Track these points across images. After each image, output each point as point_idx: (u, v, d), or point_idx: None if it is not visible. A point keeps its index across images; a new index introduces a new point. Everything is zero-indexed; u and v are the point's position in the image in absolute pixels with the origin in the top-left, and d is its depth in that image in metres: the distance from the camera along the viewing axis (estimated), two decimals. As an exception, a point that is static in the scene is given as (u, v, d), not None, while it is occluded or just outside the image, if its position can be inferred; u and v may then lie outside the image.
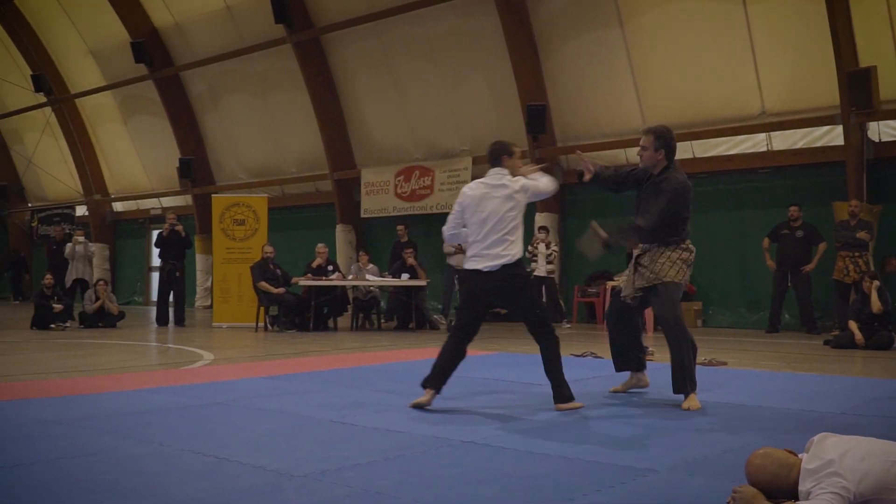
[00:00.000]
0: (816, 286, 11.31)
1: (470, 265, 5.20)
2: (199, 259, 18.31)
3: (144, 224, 21.59)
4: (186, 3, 17.82)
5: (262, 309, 12.13)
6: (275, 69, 17.05)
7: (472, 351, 5.47)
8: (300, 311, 12.08)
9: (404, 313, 12.46)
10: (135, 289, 21.73)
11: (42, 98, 21.50)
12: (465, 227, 5.32)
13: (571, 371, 6.75)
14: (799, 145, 12.09)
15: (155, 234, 16.52)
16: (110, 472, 3.51)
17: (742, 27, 11.90)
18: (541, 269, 12.79)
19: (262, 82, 17.55)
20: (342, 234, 16.64)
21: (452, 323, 11.98)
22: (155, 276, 17.44)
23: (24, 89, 21.58)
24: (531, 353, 8.38)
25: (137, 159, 20.99)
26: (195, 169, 18.88)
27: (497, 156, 5.37)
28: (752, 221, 12.40)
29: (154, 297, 13.87)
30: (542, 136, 13.78)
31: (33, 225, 24.00)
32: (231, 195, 15.18)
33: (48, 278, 13.04)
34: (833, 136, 11.62)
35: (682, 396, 5.16)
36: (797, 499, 2.81)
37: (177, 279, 13.38)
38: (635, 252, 5.49)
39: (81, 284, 13.69)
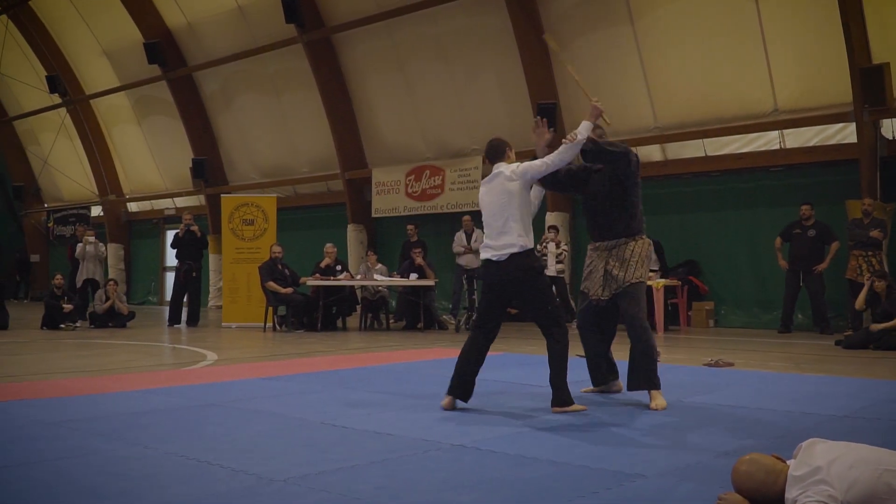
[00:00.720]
0: (829, 286, 11.14)
1: (483, 255, 5.19)
2: (213, 259, 18.31)
3: (159, 224, 21.67)
4: (199, 4, 17.85)
5: (270, 309, 12.12)
6: (286, 69, 17.05)
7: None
8: (308, 311, 12.06)
9: (413, 313, 12.40)
10: (149, 289, 21.81)
11: (57, 99, 21.64)
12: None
13: (576, 372, 6.67)
14: (812, 143, 11.92)
15: (169, 234, 16.57)
16: (91, 475, 3.49)
17: (754, 23, 11.74)
18: (550, 268, 12.68)
19: (274, 82, 17.56)
20: (353, 234, 16.61)
21: (462, 322, 11.98)
22: (169, 276, 17.48)
23: (40, 90, 21.71)
24: (537, 353, 8.31)
25: (151, 160, 21.08)
26: (208, 169, 18.93)
27: (499, 151, 5.30)
28: (765, 220, 12.24)
29: (168, 296, 13.90)
30: (553, 134, 13.63)
31: (49, 225, 24.16)
32: (241, 195, 15.15)
33: (58, 278, 13.10)
34: (846, 133, 11.45)
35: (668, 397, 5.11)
36: (783, 507, 2.73)
37: (193, 279, 13.39)
38: (593, 248, 5.37)
39: (92, 284, 13.74)
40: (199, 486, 3.32)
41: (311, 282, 12.08)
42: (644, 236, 5.35)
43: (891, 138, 11.24)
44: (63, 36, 21.06)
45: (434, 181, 15.20)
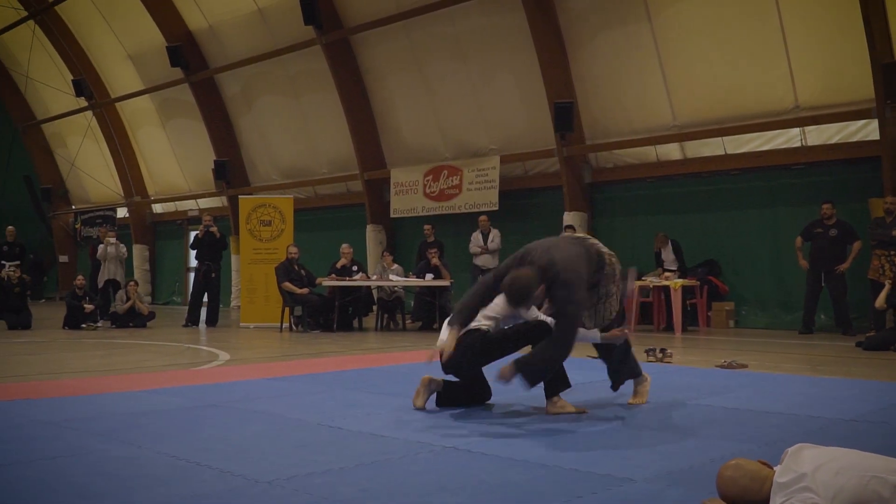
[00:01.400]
0: (852, 286, 10.94)
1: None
2: (235, 259, 18.43)
3: (182, 225, 21.84)
4: (220, 7, 17.96)
5: (286, 309, 12.15)
6: (306, 71, 17.11)
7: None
8: (324, 311, 12.07)
9: (429, 314, 12.37)
10: (173, 289, 21.99)
11: (83, 102, 21.90)
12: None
13: (584, 374, 6.62)
14: (834, 140, 11.72)
15: (193, 235, 16.68)
16: (80, 475, 3.49)
17: (773, 18, 11.57)
18: (568, 268, 12.58)
19: (294, 84, 17.62)
20: (372, 235, 16.62)
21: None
22: (193, 277, 17.60)
23: (66, 94, 21.97)
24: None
25: (175, 161, 21.25)
26: (230, 170, 19.05)
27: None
28: (787, 219, 12.06)
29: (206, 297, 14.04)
30: (570, 134, 13.58)
31: (77, 227, 24.43)
32: (258, 196, 15.21)
33: (79, 279, 13.24)
34: (869, 130, 11.24)
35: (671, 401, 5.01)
36: (767, 513, 2.66)
37: (212, 280, 13.48)
38: None
39: (113, 285, 13.88)
40: (184, 487, 3.31)
41: (327, 282, 12.10)
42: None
43: (914, 135, 11.03)
44: (89, 40, 21.29)
45: (452, 181, 15.16)
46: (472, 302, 4.96)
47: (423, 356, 8.32)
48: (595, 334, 5.09)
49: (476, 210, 14.45)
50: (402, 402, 5.30)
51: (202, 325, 13.28)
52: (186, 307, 14.07)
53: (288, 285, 11.90)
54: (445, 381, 5.20)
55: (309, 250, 15.27)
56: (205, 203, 20.95)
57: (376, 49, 16.01)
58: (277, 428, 4.57)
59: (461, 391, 5.26)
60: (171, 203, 22.02)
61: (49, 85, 22.49)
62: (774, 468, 2.77)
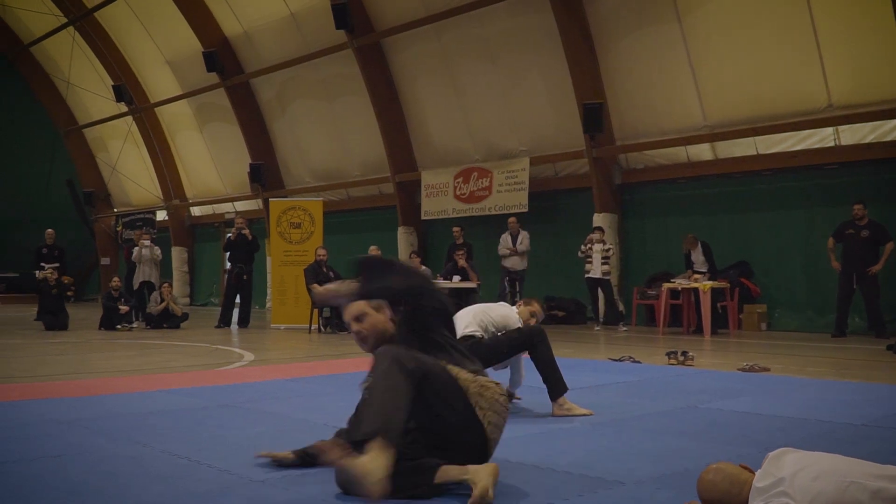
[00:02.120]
0: (885, 288, 10.73)
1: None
2: (269, 261, 18.64)
3: (220, 227, 22.14)
4: (254, 12, 18.19)
5: (315, 311, 12.25)
6: (338, 74, 17.25)
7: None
8: (353, 313, 12.12)
9: (456, 315, 12.36)
10: (211, 290, 22.30)
11: (124, 107, 22.31)
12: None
13: (598, 375, 6.58)
14: (868, 140, 11.50)
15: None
16: (82, 473, 3.56)
17: (805, 16, 11.40)
18: (595, 270, 12.54)
19: (326, 88, 17.78)
20: (404, 237, 16.71)
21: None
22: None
23: (107, 99, 22.41)
24: (570, 357, 8.22)
25: (212, 165, 21.56)
26: (265, 173, 19.29)
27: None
28: (820, 220, 11.87)
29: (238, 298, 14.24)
30: (600, 135, 13.51)
31: (118, 230, 24.88)
32: (288, 199, 15.35)
33: (115, 280, 13.50)
34: (904, 129, 11.02)
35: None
36: (746, 517, 2.63)
37: (244, 282, 13.65)
38: None
39: (148, 286, 14.12)
40: (180, 485, 3.36)
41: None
42: None
43: (949, 134, 10.80)
44: (128, 46, 21.70)
45: (482, 183, 15.17)
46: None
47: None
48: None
49: (506, 212, 14.44)
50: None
51: (234, 326, 13.45)
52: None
53: (316, 287, 11.98)
54: None
55: (341, 252, 15.41)
56: (241, 206, 21.21)
57: (406, 52, 16.09)
58: (283, 428, 4.63)
59: None
60: (209, 206, 22.35)
61: (90, 90, 22.96)
62: (756, 472, 2.74)
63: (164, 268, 22.47)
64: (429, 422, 3.23)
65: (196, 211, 22.94)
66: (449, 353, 3.40)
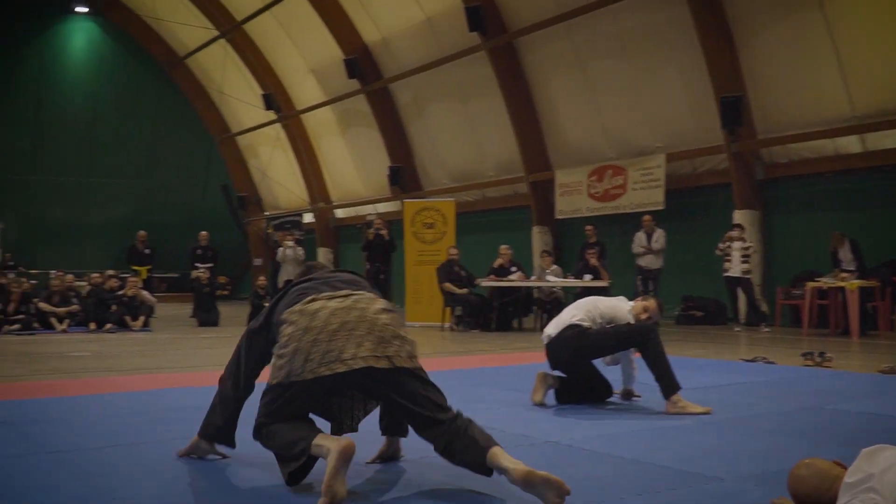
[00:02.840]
0: None
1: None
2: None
3: (362, 229, 22.77)
4: (392, 19, 18.68)
5: (447, 309, 12.46)
6: (472, 76, 17.44)
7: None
8: (483, 311, 12.28)
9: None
10: (355, 290, 22.97)
11: (272, 115, 23.37)
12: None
13: (725, 375, 6.41)
14: None
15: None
16: (120, 462, 3.65)
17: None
18: (735, 268, 12.14)
19: (461, 89, 18.02)
20: (538, 236, 16.71)
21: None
22: (364, 278, 18.37)
23: (257, 108, 23.54)
24: (703, 357, 8.05)
25: (354, 168, 22.27)
26: (403, 175, 19.77)
27: None
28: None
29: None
30: (740, 129, 13.06)
31: (268, 232, 26.08)
32: (422, 200, 15.64)
33: (261, 280, 14.20)
34: None
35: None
36: (834, 513, 2.55)
37: (381, 281, 14.06)
38: None
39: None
40: (189, 479, 3.44)
41: (485, 283, 12.31)
42: None
43: None
44: (275, 56, 22.74)
45: (616, 181, 14.97)
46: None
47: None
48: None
49: (641, 210, 14.18)
50: (522, 398, 5.37)
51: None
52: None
53: (448, 286, 12.22)
54: (561, 378, 5.24)
55: (476, 252, 15.60)
56: (382, 207, 21.78)
57: (539, 51, 16.09)
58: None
59: (579, 387, 5.27)
60: (352, 208, 23.09)
61: (241, 99, 24.18)
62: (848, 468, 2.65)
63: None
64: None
65: (340, 213, 23.75)
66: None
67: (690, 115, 14.03)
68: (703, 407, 4.89)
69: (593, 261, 12.27)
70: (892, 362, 7.29)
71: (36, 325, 12.02)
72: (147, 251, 15.97)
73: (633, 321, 5.09)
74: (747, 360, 7.81)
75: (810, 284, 11.52)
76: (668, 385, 4.88)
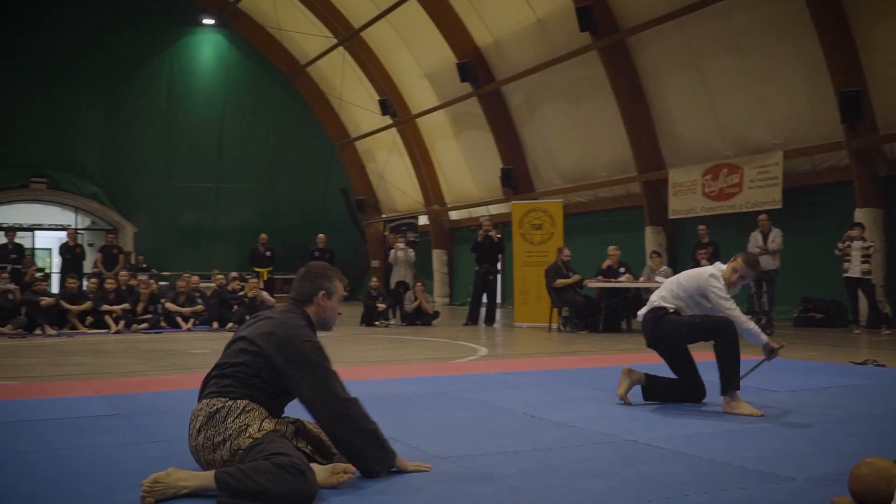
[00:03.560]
0: None
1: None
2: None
3: (475, 231, 23.03)
4: (503, 22, 18.82)
5: (555, 310, 12.51)
6: (584, 76, 17.39)
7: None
8: (591, 312, 12.26)
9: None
10: (468, 291, 23.23)
11: (388, 120, 23.93)
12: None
13: (828, 378, 6.26)
14: None
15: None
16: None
17: None
18: (854, 269, 11.68)
19: (572, 90, 17.98)
20: (651, 236, 16.50)
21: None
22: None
23: (374, 113, 24.15)
24: (815, 360, 7.85)
25: (467, 171, 22.53)
26: (515, 177, 19.89)
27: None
28: None
29: (485, 298, 14.89)
30: (861, 124, 12.55)
31: (385, 234, 26.69)
32: (529, 201, 15.67)
33: (374, 281, 14.62)
34: None
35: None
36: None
37: (490, 282, 14.24)
38: None
39: (403, 286, 15.10)
40: None
41: (593, 283, 12.29)
42: None
43: None
44: (391, 62, 23.27)
45: (731, 179, 14.64)
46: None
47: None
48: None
49: (757, 209, 13.81)
50: (614, 398, 5.42)
51: (481, 323, 14.03)
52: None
53: (561, 281, 12.26)
54: (647, 375, 5.26)
55: (587, 253, 15.55)
56: (495, 209, 21.95)
57: (651, 49, 15.90)
58: (482, 414, 4.93)
59: (668, 386, 5.27)
60: (465, 210, 23.36)
61: (359, 105, 24.86)
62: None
63: (426, 269, 23.89)
64: None
65: (454, 215, 24.06)
66: None
67: (808, 111, 13.58)
68: (756, 409, 4.83)
69: (704, 262, 12.02)
70: None
71: (163, 323, 12.81)
72: (268, 253, 16.66)
73: (721, 286, 4.95)
74: (857, 364, 7.57)
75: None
76: (728, 382, 4.90)
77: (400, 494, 3.14)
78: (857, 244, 11.72)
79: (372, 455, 3.27)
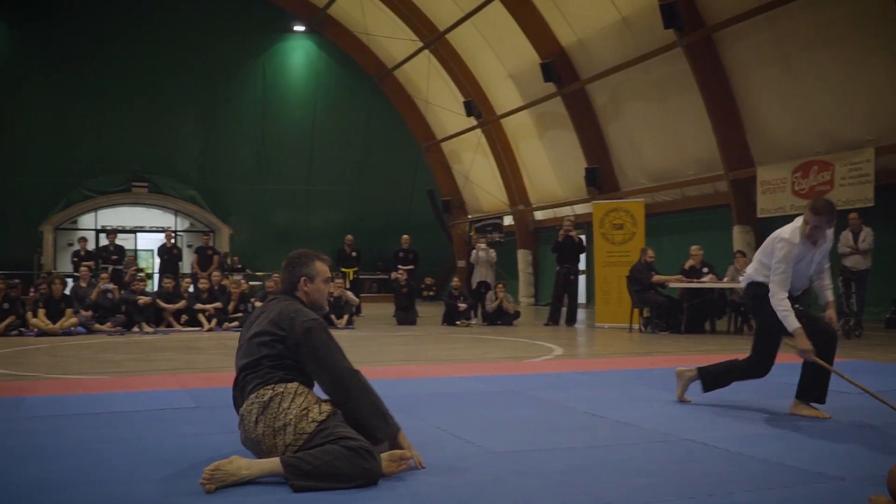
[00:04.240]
0: None
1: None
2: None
3: (559, 231, 22.95)
4: (587, 20, 18.74)
5: (636, 311, 12.42)
6: (669, 73, 17.17)
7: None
8: (673, 312, 12.13)
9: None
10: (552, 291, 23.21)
11: (473, 121, 24.10)
12: None
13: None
14: None
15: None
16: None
17: None
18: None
19: (658, 87, 17.78)
20: (739, 236, 16.17)
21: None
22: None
23: (459, 114, 24.36)
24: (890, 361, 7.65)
25: (552, 171, 22.50)
26: (600, 176, 19.78)
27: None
28: None
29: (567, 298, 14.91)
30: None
31: (471, 235, 26.86)
32: (610, 201, 15.55)
33: (455, 281, 14.79)
34: None
35: None
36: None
37: (571, 282, 14.24)
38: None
39: (484, 286, 15.22)
40: (429, 452, 3.84)
41: (674, 283, 12.16)
42: None
43: None
44: (475, 63, 23.43)
45: (822, 177, 14.23)
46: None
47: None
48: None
49: (848, 207, 13.37)
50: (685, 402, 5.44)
51: (562, 324, 14.04)
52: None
53: (659, 277, 12.16)
54: (698, 368, 5.28)
55: (674, 252, 15.37)
56: (580, 209, 21.86)
57: (738, 45, 15.58)
58: (544, 412, 5.02)
59: (724, 369, 5.23)
60: (550, 210, 23.33)
61: (444, 107, 25.12)
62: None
63: (511, 270, 23.97)
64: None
65: (539, 215, 24.06)
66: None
67: (903, 105, 13.10)
68: (822, 412, 4.81)
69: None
70: None
71: (253, 321, 13.24)
72: (354, 254, 17.04)
73: (783, 248, 4.78)
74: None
75: None
76: (802, 390, 4.91)
77: (447, 476, 3.29)
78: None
79: (373, 422, 3.45)
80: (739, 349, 9.50)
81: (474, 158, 25.36)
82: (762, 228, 16.18)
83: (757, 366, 5.12)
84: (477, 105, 23.50)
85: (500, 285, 14.56)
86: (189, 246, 24.40)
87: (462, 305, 14.38)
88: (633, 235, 13.72)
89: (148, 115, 24.85)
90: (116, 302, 12.77)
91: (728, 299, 12.47)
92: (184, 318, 13.13)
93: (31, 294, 13.13)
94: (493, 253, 15.91)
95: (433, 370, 7.43)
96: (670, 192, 18.51)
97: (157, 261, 18.14)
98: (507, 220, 24.78)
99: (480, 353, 9.29)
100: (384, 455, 3.39)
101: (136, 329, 12.46)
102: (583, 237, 15.25)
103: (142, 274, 14.95)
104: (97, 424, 4.56)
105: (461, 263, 27.03)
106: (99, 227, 24.89)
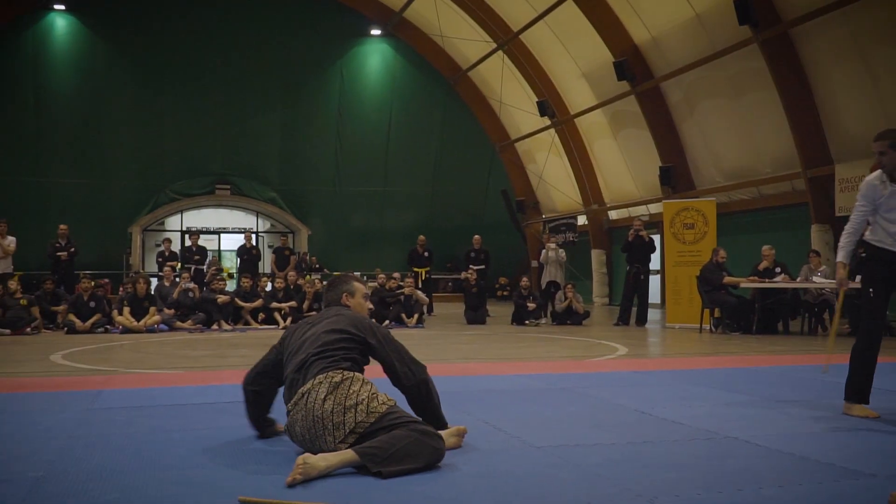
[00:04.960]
0: None
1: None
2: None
3: (629, 231, 22.77)
4: (661, 18, 18.58)
5: (706, 311, 12.30)
6: (744, 70, 16.90)
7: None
8: (744, 313, 11.98)
9: (857, 317, 11.51)
10: (628, 291, 23.04)
11: (547, 121, 24.12)
12: None
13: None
14: None
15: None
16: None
17: None
18: None
19: (733, 85, 17.52)
20: (818, 235, 15.80)
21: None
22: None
23: (533, 114, 24.41)
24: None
25: (626, 170, 22.36)
26: (674, 175, 19.57)
27: None
28: None
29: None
30: None
31: (544, 235, 26.83)
32: (681, 200, 15.37)
33: (524, 280, 14.88)
34: None
35: None
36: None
37: (641, 282, 14.18)
38: None
39: (554, 286, 15.26)
40: (471, 443, 4.02)
41: (745, 284, 11.99)
42: None
43: None
44: (549, 63, 23.45)
45: (903, 174, 13.79)
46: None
47: (819, 359, 8.09)
48: None
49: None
50: (734, 399, 5.44)
51: (632, 324, 13.98)
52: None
53: (730, 279, 12.05)
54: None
55: (748, 252, 15.12)
56: (654, 208, 21.66)
57: (815, 41, 15.25)
58: (593, 409, 5.10)
59: (854, 374, 5.14)
60: (624, 209, 23.17)
61: (518, 107, 25.20)
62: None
63: (584, 269, 23.89)
64: None
65: (613, 215, 23.91)
66: None
67: None
68: (871, 411, 4.79)
69: (866, 261, 11.47)
70: None
71: (326, 319, 13.60)
72: (426, 254, 17.28)
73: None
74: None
75: None
76: (848, 388, 4.92)
77: (479, 466, 3.43)
78: None
79: (433, 416, 4.00)
80: (810, 350, 9.36)
81: (548, 158, 25.37)
82: (840, 227, 15.73)
83: (871, 326, 4.95)
84: (550, 105, 23.53)
85: (569, 285, 14.58)
86: (270, 246, 25.11)
87: (531, 305, 14.46)
88: (704, 235, 13.58)
89: (230, 119, 25.71)
90: (197, 301, 13.28)
91: (801, 300, 12.23)
92: (261, 316, 13.56)
93: (120, 293, 13.78)
94: (562, 253, 15.94)
95: (492, 368, 7.57)
96: (746, 191, 18.20)
97: (238, 261, 18.73)
98: (581, 220, 24.71)
99: (543, 352, 9.38)
100: (445, 432, 3.85)
101: (215, 327, 12.93)
102: (654, 237, 15.17)
103: (221, 273, 15.50)
104: (166, 415, 4.85)
105: (535, 263, 27.04)
106: (184, 229, 25.85)
